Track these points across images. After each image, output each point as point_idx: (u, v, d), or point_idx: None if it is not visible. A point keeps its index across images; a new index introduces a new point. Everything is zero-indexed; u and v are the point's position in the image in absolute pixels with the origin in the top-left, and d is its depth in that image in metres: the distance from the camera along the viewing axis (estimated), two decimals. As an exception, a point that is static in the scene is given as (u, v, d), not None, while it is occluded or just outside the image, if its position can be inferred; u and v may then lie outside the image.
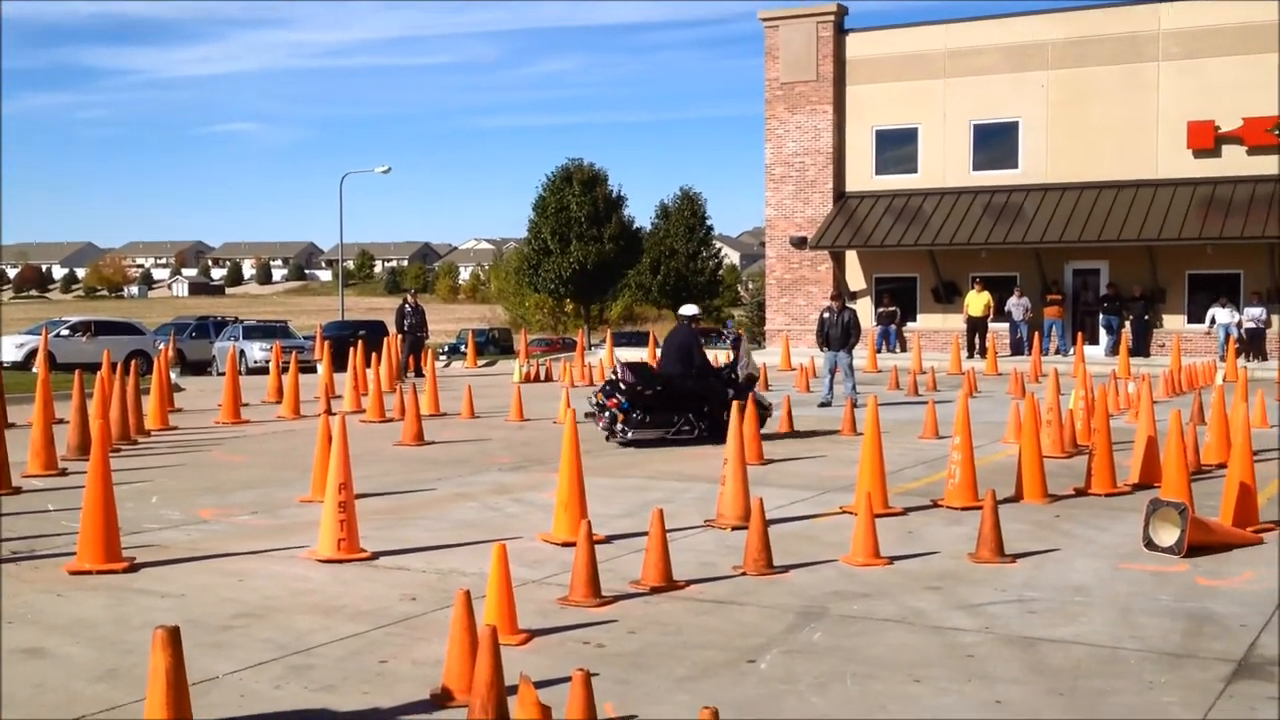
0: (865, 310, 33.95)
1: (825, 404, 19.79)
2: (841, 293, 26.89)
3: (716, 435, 14.47)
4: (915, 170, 34.90)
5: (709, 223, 76.17)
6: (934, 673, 6.17)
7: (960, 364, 27.97)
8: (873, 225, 34.15)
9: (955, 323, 33.22)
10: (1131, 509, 10.33)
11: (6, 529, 9.68)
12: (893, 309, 34.11)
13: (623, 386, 14.99)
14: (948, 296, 34.18)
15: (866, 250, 34.58)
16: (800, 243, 35.35)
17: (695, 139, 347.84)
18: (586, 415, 15.24)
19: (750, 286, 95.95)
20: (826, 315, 20.29)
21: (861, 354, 25.88)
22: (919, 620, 7.16)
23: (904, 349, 32.68)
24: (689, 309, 16.40)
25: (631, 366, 15.50)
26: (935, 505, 10.79)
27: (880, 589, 7.89)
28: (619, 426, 14.90)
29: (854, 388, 19.59)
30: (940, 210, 33.76)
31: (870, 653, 6.51)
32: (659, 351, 18.40)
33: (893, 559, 8.63)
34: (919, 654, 6.49)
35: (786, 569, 8.35)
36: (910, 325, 34.34)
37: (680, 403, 15.08)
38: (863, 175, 35.47)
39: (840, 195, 35.44)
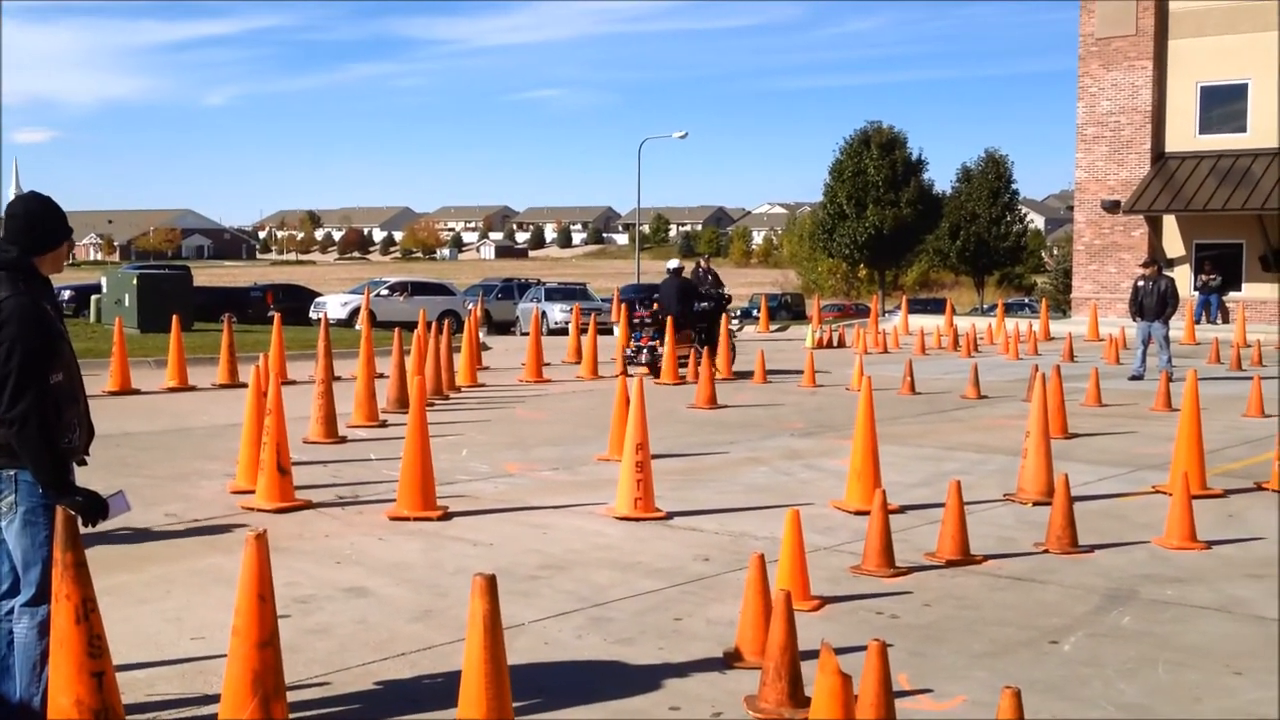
0: (1183, 279, 31.91)
1: (1137, 377, 18.80)
2: (1157, 259, 25.37)
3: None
4: (1244, 129, 32.44)
5: (1014, 186, 73.14)
6: (1257, 665, 5.77)
7: (1290, 337, 25.94)
8: (1194, 188, 32.01)
9: (1286, 293, 30.79)
10: None
11: (333, 475, 10.43)
12: (1214, 277, 31.93)
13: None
14: (1278, 265, 31.69)
15: (1186, 214, 32.46)
16: (1113, 206, 33.55)
17: (1000, 98, 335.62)
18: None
19: (1055, 253, 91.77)
20: (1141, 284, 19.26)
21: (1178, 325, 24.40)
22: (1240, 609, 6.71)
23: (1226, 320, 30.58)
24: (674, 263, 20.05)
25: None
26: (1260, 488, 10.08)
27: (1196, 574, 7.43)
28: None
29: (1169, 360, 18.49)
30: (1272, 172, 31.27)
31: (1184, 640, 6.16)
32: None
33: (1211, 543, 8.12)
34: (1240, 644, 6.09)
35: (1092, 548, 7.99)
36: (1233, 295, 32.06)
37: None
38: (1184, 135, 33.27)
39: (1159, 156, 33.38)
